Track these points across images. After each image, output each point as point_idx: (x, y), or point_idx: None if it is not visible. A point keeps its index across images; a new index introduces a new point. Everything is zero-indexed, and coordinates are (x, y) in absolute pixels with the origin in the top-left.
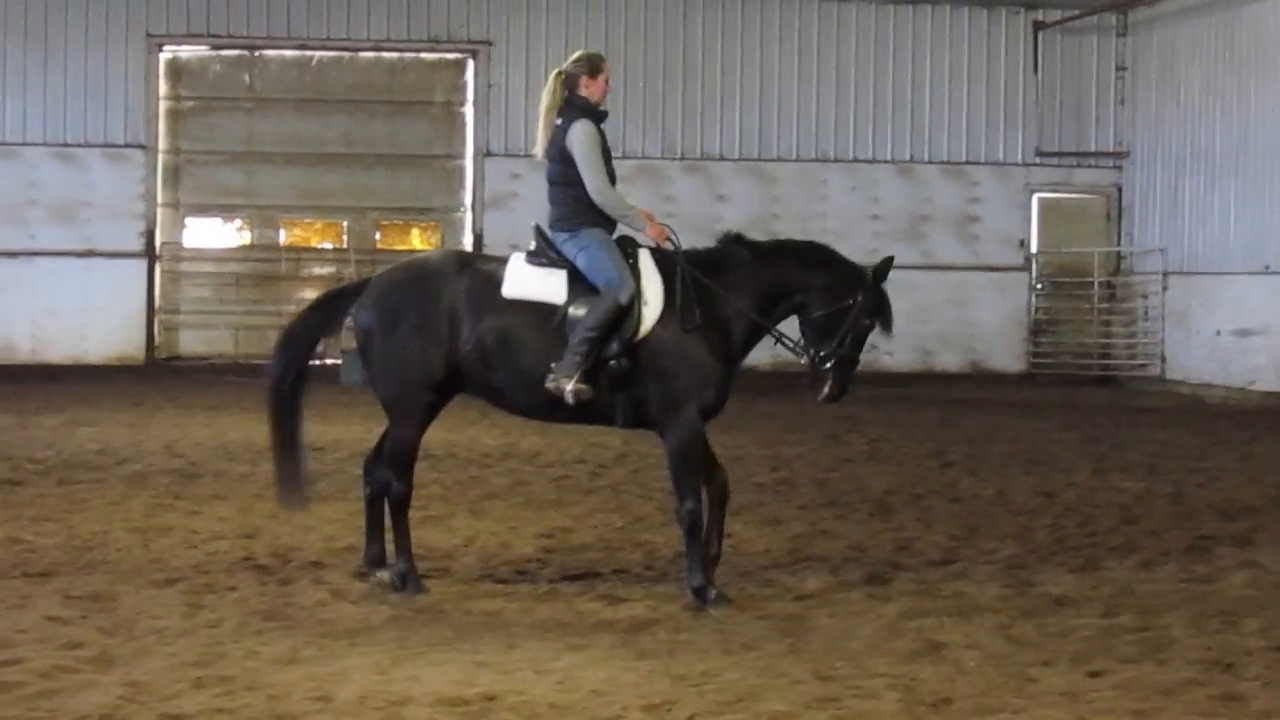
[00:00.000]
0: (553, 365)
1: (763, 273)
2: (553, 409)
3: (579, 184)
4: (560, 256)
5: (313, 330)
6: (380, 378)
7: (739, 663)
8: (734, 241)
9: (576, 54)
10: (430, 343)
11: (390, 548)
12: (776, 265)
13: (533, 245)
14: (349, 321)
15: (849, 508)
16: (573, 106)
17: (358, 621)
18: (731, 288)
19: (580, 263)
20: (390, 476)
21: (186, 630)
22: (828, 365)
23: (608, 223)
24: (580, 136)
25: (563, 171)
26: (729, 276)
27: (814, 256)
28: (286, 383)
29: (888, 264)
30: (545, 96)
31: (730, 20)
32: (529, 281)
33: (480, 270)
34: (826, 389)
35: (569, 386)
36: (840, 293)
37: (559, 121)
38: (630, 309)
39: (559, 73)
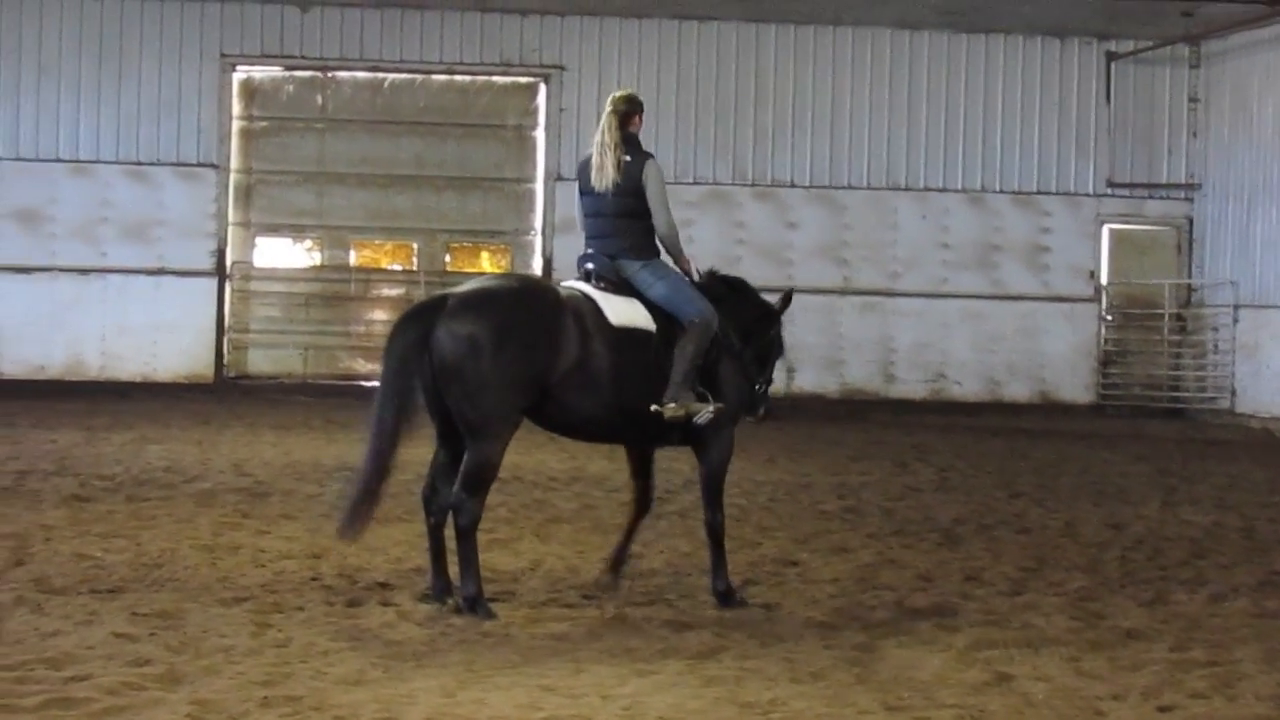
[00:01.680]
0: (673, 400)
1: (739, 305)
2: (628, 433)
3: (647, 216)
4: (621, 284)
5: (418, 350)
6: (475, 395)
7: (806, 691)
8: (711, 276)
9: (623, 93)
10: (535, 362)
11: (453, 571)
12: (744, 298)
13: (589, 273)
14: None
15: (917, 537)
16: (634, 144)
17: (424, 643)
18: (726, 317)
19: (658, 291)
20: (463, 498)
21: (254, 649)
22: (766, 389)
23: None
24: (657, 174)
25: (634, 205)
26: (722, 308)
27: (751, 290)
28: (396, 410)
29: (790, 296)
30: (608, 133)
31: (802, 47)
32: (625, 310)
33: (575, 295)
34: (763, 410)
35: (707, 409)
36: (770, 322)
37: (628, 158)
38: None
39: (614, 111)
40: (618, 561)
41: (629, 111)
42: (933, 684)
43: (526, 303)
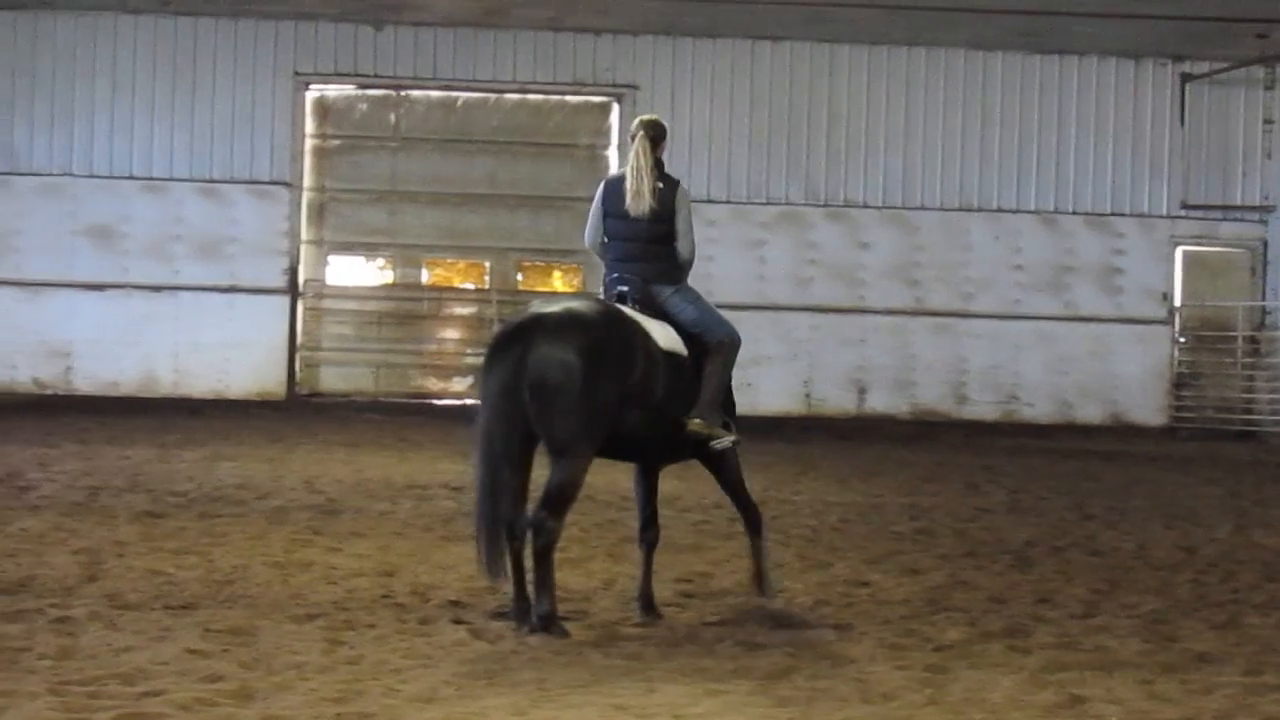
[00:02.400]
0: (700, 417)
1: None
2: (666, 455)
3: (675, 240)
4: (654, 308)
5: (517, 372)
6: (570, 416)
7: (878, 712)
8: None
9: (652, 117)
10: (623, 383)
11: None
12: None
13: (622, 295)
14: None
15: (988, 558)
16: (663, 169)
17: (496, 662)
18: None
19: (689, 314)
20: (543, 518)
21: (326, 666)
22: None
23: None
24: (687, 200)
25: (666, 231)
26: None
27: None
28: (505, 434)
29: None
30: (642, 157)
31: (875, 67)
32: (664, 333)
33: (635, 318)
34: None
35: (728, 438)
36: None
37: (660, 184)
38: None
39: (646, 135)
40: (647, 598)
41: (658, 136)
42: (1005, 706)
43: (614, 324)
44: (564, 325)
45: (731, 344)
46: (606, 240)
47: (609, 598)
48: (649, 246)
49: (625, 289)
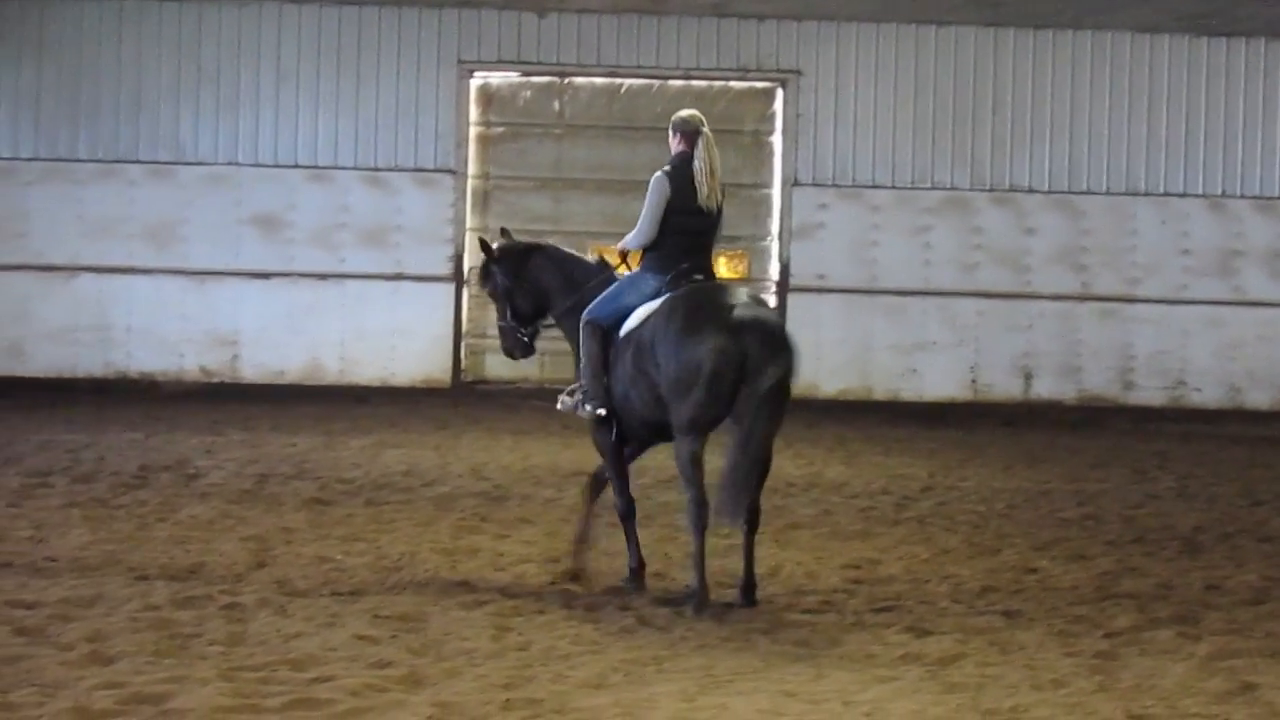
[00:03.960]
0: None
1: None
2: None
3: None
4: None
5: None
6: (787, 400)
7: (1048, 699)
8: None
9: (695, 112)
10: None
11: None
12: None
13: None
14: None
15: (1157, 545)
16: None
17: (664, 648)
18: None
19: None
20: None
21: (495, 652)
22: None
23: None
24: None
25: (718, 229)
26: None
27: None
28: (770, 414)
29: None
30: (711, 154)
31: (1041, 51)
32: None
33: None
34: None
35: None
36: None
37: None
38: None
39: (708, 132)
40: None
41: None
42: (1175, 692)
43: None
44: (770, 312)
45: None
46: (665, 235)
47: (775, 583)
48: (707, 243)
49: (700, 277)
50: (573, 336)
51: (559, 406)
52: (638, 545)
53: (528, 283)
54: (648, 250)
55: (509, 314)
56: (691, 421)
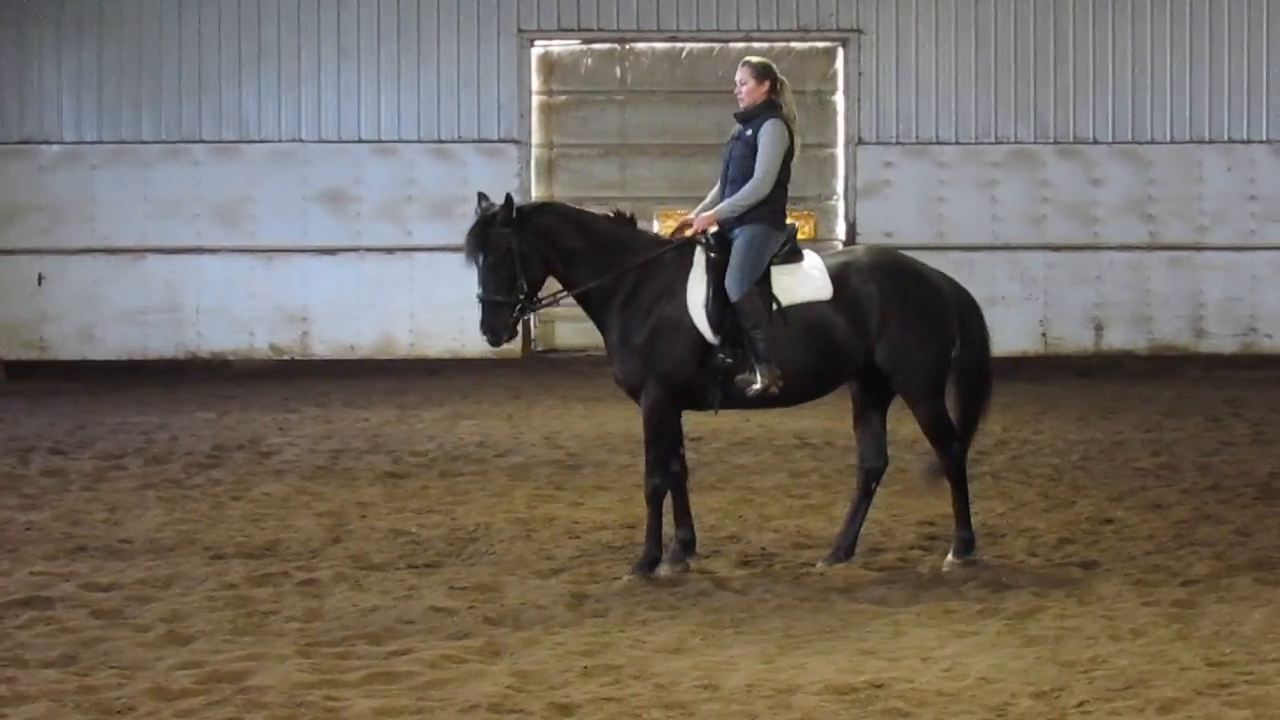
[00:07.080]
0: None
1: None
2: None
3: None
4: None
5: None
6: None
7: (1127, 649)
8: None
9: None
10: None
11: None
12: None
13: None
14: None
15: (1233, 492)
16: None
17: (743, 610)
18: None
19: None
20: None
21: (572, 620)
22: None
23: None
24: None
25: None
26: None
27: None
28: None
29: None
30: (795, 104)
31: (1102, 1)
32: None
33: None
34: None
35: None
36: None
37: None
38: None
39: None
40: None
41: None
42: (1255, 639)
43: None
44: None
45: None
46: (777, 187)
47: None
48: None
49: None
50: (600, 312)
51: (748, 393)
52: (661, 529)
53: (549, 248)
54: (760, 204)
55: (515, 286)
56: (940, 386)
